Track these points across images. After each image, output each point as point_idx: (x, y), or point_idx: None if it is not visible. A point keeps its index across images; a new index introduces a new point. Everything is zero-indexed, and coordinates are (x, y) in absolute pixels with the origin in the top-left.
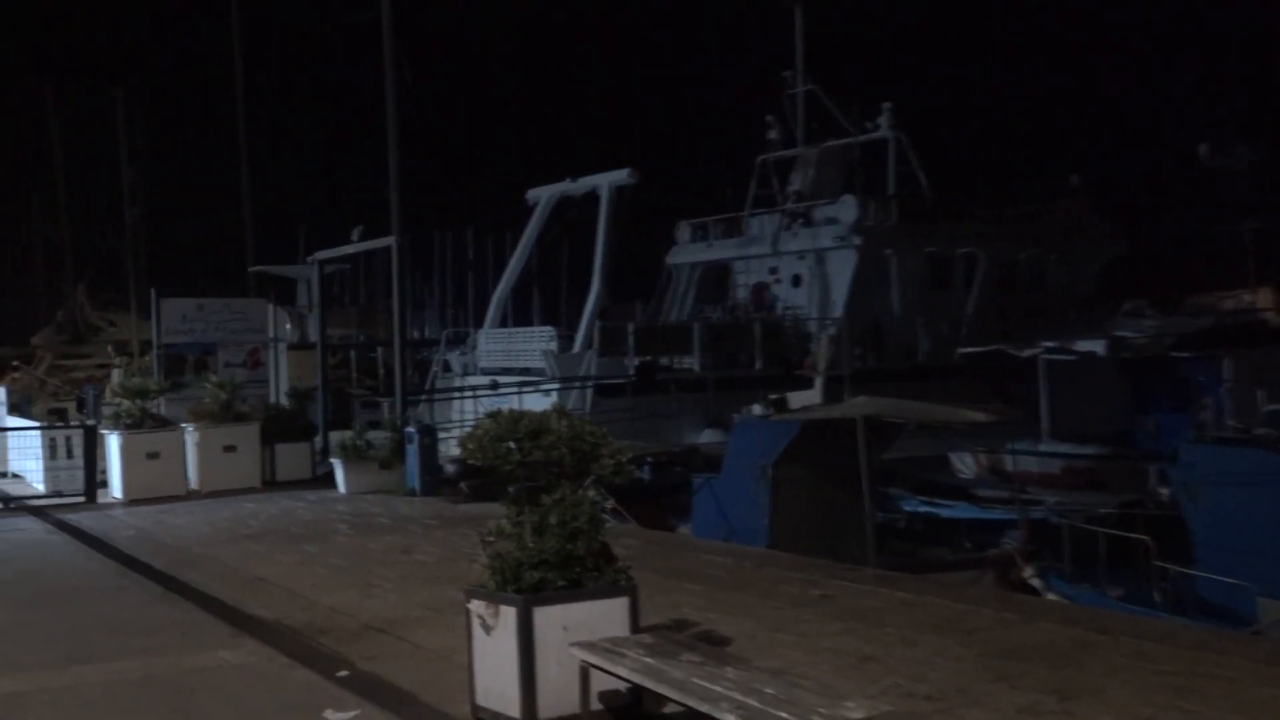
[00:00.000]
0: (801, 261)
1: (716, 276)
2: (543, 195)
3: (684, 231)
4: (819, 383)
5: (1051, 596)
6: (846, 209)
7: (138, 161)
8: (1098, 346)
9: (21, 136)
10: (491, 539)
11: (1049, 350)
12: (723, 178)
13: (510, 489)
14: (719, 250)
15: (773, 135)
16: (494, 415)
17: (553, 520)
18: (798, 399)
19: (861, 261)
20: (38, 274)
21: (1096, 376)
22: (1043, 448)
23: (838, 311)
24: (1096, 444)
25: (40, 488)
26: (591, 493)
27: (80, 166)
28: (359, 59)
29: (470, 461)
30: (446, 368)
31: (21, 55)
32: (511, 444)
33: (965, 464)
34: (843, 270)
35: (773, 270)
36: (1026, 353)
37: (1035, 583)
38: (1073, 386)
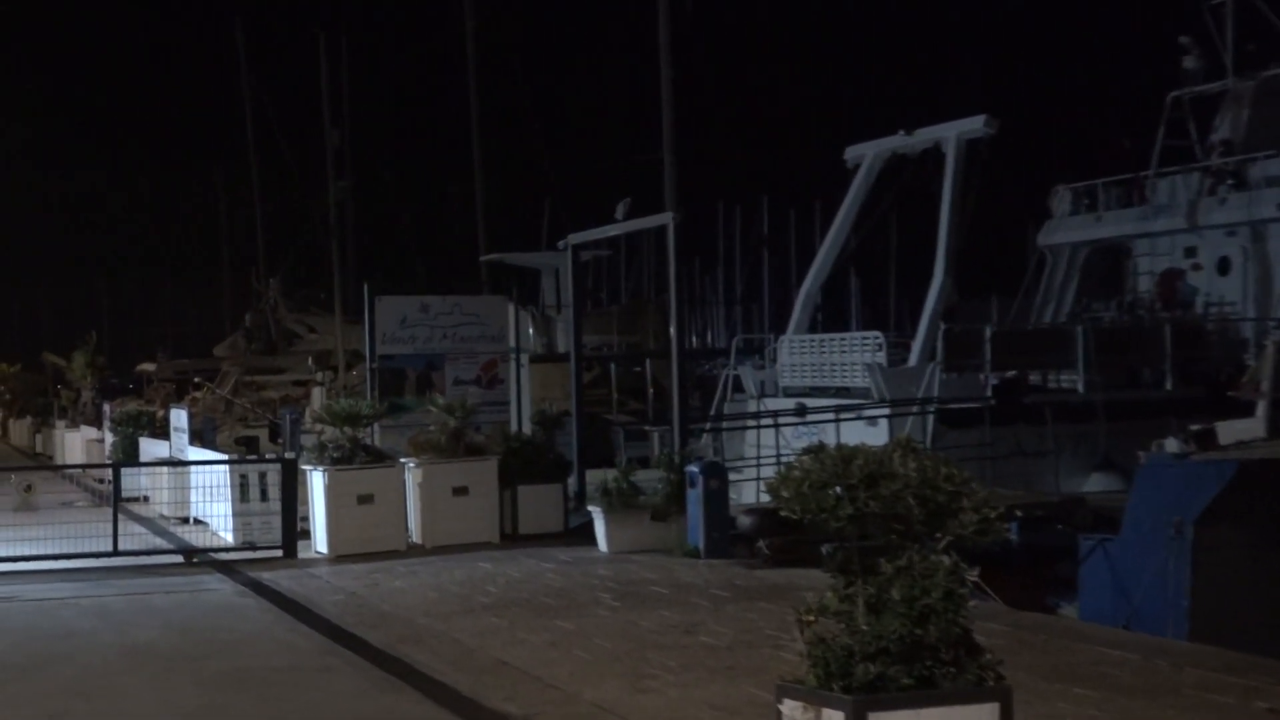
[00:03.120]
0: (1231, 239)
1: (1109, 261)
2: (867, 154)
3: (1063, 200)
4: (1261, 408)
5: None
6: None
7: (344, 123)
8: None
9: (207, 91)
10: (810, 618)
11: None
12: (1117, 125)
13: (826, 550)
14: (1112, 225)
15: (1189, 64)
16: (815, 452)
17: (895, 595)
18: (1230, 431)
19: None
20: (224, 267)
21: None
22: None
23: None
24: None
25: (228, 537)
26: (948, 559)
27: (276, 129)
28: None
29: (784, 513)
30: (737, 386)
31: None
32: (840, 490)
33: None
34: None
35: (1189, 252)
36: None
37: None
38: None
